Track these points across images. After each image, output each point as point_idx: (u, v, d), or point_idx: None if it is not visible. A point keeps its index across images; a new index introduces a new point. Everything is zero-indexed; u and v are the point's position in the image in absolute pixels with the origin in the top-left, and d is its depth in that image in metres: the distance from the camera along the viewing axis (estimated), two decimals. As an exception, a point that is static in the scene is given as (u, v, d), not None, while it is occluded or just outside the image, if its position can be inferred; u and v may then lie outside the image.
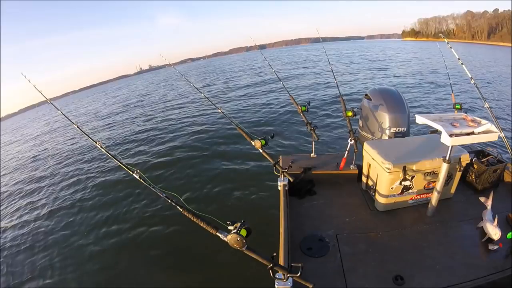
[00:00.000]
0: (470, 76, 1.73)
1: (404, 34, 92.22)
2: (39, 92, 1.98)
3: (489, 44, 48.64)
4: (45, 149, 9.69)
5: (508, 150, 1.68)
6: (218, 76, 22.31)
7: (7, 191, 6.24)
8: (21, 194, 5.82)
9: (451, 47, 2.20)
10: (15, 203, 5.46)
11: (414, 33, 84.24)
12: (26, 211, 4.92)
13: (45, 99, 2.02)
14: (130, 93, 24.60)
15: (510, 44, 33.84)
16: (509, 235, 1.59)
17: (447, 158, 1.70)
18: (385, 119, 2.59)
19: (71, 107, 27.63)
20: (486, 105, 1.97)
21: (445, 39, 2.42)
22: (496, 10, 58.99)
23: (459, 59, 1.94)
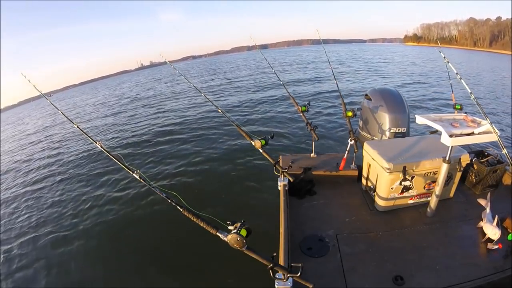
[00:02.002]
0: (469, 91, 1.71)
1: (406, 38, 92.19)
2: (42, 94, 1.99)
3: (491, 52, 48.28)
4: (42, 148, 9.63)
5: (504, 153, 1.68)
6: (218, 75, 22.26)
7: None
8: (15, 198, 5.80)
9: (448, 61, 2.16)
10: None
11: (416, 38, 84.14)
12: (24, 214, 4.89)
13: (48, 100, 2.03)
14: (131, 89, 24.51)
15: (510, 52, 33.78)
16: (509, 237, 1.59)
17: (447, 158, 1.70)
18: (385, 119, 2.59)
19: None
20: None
21: (440, 45, 2.37)
22: (498, 18, 58.69)
23: (457, 73, 1.88)
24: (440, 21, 75.56)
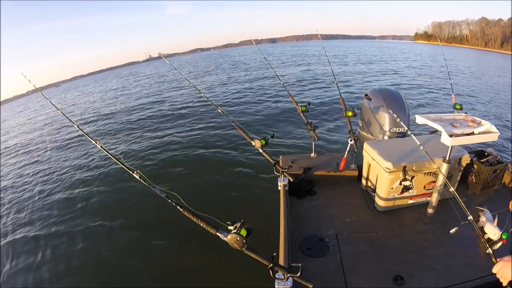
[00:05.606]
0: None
1: (417, 36, 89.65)
2: (42, 94, 1.99)
3: (501, 53, 46.98)
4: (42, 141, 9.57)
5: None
6: (220, 70, 22.26)
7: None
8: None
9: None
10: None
11: (426, 36, 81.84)
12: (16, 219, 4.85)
13: (48, 100, 2.04)
14: (136, 83, 24.40)
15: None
16: (504, 235, 1.58)
17: (447, 158, 1.70)
18: (385, 119, 2.59)
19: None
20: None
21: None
22: (510, 18, 57.88)
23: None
24: (452, 20, 74.12)
